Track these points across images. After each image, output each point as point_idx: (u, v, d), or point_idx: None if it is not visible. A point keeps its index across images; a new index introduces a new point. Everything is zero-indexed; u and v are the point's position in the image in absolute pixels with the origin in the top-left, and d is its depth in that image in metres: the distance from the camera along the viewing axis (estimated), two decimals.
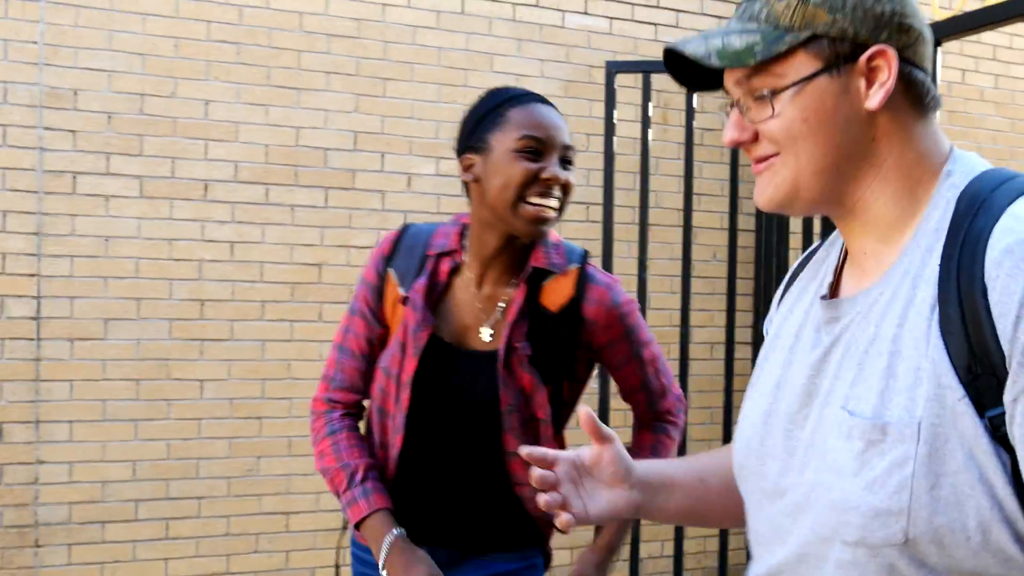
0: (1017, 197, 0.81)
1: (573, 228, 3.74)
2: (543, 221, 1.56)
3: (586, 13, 3.85)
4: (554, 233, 1.68)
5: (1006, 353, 0.75)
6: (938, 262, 0.82)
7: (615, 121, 3.29)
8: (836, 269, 0.97)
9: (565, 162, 1.60)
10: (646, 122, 3.25)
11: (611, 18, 3.89)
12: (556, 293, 1.65)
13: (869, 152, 0.88)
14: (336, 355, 1.73)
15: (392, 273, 1.68)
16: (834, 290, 0.96)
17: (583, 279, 1.66)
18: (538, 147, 1.56)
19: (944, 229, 0.83)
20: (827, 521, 0.84)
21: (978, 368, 0.76)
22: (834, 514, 0.83)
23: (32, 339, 3.18)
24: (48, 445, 3.20)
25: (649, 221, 3.34)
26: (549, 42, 3.80)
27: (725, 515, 1.14)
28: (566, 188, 1.59)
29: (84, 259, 3.24)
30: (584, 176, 3.82)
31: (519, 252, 1.65)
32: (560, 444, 1.75)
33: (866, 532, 0.80)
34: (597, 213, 3.71)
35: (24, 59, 3.17)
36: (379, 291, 1.70)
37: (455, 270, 1.68)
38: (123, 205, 3.28)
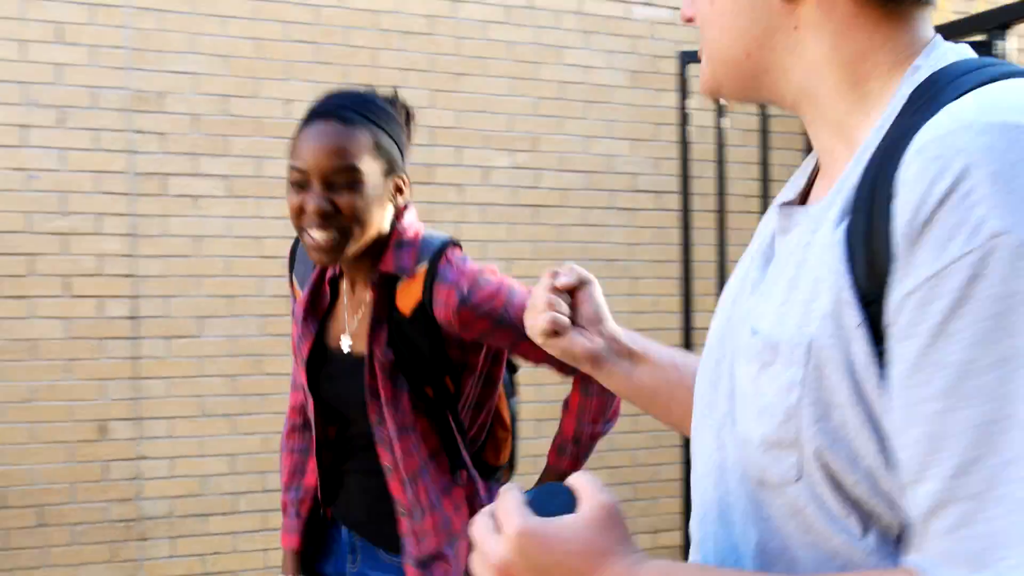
0: (974, 87, 0.65)
1: (645, 217, 3.82)
2: (318, 251, 1.52)
3: (650, 4, 3.92)
4: (412, 229, 1.62)
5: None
6: (864, 166, 0.68)
7: (688, 111, 3.36)
8: (810, 174, 0.85)
9: (335, 186, 1.50)
10: (720, 110, 3.32)
11: (674, 8, 3.95)
12: (408, 296, 1.59)
13: (791, 43, 0.74)
14: (293, 360, 1.82)
15: (295, 280, 1.75)
16: (805, 198, 0.83)
17: (429, 280, 1.57)
18: (301, 178, 1.51)
19: (886, 128, 0.69)
20: (738, 459, 0.73)
21: (875, 292, 0.63)
22: (740, 450, 0.72)
23: (130, 338, 3.25)
24: (149, 441, 3.28)
25: (727, 208, 3.42)
26: (616, 34, 3.86)
27: (684, 416, 0.95)
28: (343, 212, 1.50)
29: (177, 259, 3.31)
30: (653, 164, 3.89)
31: (372, 255, 1.60)
32: (459, 439, 1.67)
33: (763, 469, 0.69)
34: (669, 201, 3.79)
35: (112, 64, 3.22)
36: (294, 297, 1.78)
37: (340, 275, 1.70)
38: (212, 205, 3.34)
